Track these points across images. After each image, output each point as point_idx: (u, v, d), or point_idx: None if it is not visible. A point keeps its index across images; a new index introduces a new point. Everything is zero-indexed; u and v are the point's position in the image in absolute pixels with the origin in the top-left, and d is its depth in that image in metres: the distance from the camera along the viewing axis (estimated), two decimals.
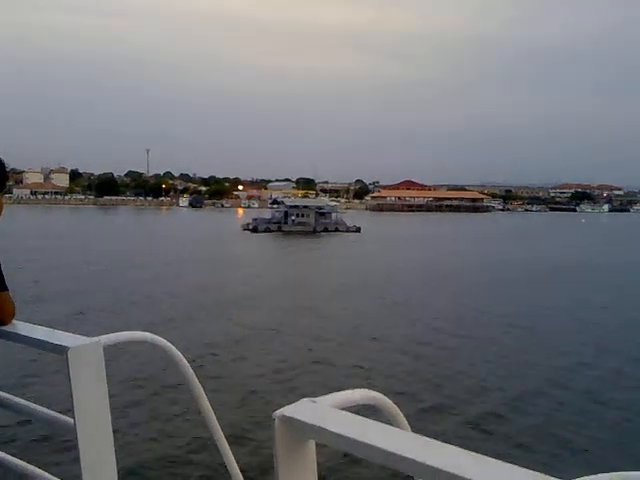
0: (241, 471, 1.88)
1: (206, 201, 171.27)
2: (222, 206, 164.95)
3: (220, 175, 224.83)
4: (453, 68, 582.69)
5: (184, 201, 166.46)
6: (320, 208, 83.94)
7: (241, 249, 52.46)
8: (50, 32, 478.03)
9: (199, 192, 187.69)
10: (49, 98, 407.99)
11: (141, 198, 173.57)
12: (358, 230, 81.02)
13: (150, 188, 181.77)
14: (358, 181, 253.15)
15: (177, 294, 28.48)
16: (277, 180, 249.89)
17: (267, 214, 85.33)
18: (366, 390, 1.15)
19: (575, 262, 46.60)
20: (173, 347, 1.92)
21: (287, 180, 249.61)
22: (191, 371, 1.92)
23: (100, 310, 24.10)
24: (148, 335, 1.92)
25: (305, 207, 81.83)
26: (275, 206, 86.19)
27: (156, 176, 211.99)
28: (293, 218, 79.72)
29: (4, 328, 2.05)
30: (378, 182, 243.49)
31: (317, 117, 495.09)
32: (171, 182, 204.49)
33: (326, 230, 79.48)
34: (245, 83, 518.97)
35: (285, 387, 15.46)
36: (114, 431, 1.75)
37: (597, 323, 24.85)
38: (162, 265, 39.10)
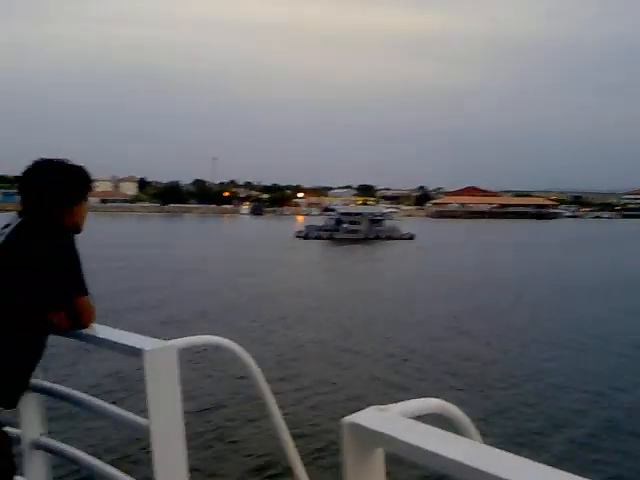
0: (309, 477, 1.90)
1: (267, 209, 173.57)
2: (282, 214, 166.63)
3: (283, 183, 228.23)
4: (518, 72, 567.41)
5: (245, 209, 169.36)
6: (373, 215, 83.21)
7: (285, 256, 52.55)
8: (120, 45, 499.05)
9: (260, 200, 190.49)
10: (125, 110, 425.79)
11: (204, 206, 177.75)
12: (412, 237, 79.75)
13: (213, 196, 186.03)
14: (421, 187, 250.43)
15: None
16: (339, 187, 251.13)
17: (321, 221, 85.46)
18: (436, 400, 1.13)
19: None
20: (245, 352, 1.97)
21: (349, 187, 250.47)
22: (262, 376, 1.97)
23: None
24: (221, 340, 1.98)
25: (357, 214, 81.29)
26: (327, 213, 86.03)
27: (221, 184, 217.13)
28: (345, 225, 79.35)
29: (84, 331, 2.18)
30: (442, 188, 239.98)
31: (381, 123, 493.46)
32: (234, 190, 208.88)
33: (378, 237, 78.59)
34: (311, 91, 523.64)
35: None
36: (186, 433, 1.80)
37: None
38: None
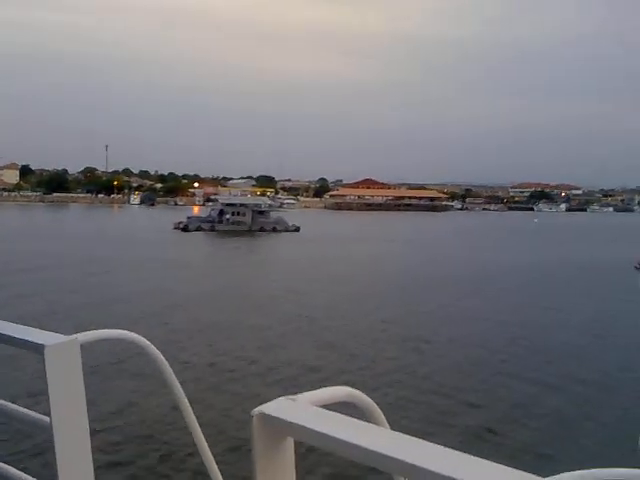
0: (220, 469, 1.89)
1: (160, 199, 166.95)
2: (176, 204, 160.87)
3: (182, 172, 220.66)
4: (419, 69, 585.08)
5: (135, 199, 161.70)
6: (258, 206, 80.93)
7: (154, 251, 49.18)
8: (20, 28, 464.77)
9: (154, 190, 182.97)
10: (13, 93, 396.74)
11: (91, 195, 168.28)
12: (297, 230, 78.26)
13: (102, 185, 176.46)
14: (321, 179, 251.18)
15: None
16: (241, 178, 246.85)
17: (205, 212, 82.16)
18: (345, 387, 1.14)
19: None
20: (151, 345, 1.91)
21: (249, 178, 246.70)
22: (170, 369, 1.92)
23: None
24: (125, 333, 1.90)
25: (242, 205, 78.56)
26: (210, 204, 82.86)
27: (115, 173, 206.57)
28: (227, 217, 76.51)
29: None
30: (341, 181, 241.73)
31: (285, 116, 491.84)
32: (126, 179, 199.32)
33: (263, 230, 76.47)
34: (217, 82, 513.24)
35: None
36: (91, 430, 1.76)
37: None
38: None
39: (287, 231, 77.29)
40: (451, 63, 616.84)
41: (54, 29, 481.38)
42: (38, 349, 1.69)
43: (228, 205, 78.25)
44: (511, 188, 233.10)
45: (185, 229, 72.35)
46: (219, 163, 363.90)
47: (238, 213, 77.35)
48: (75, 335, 1.79)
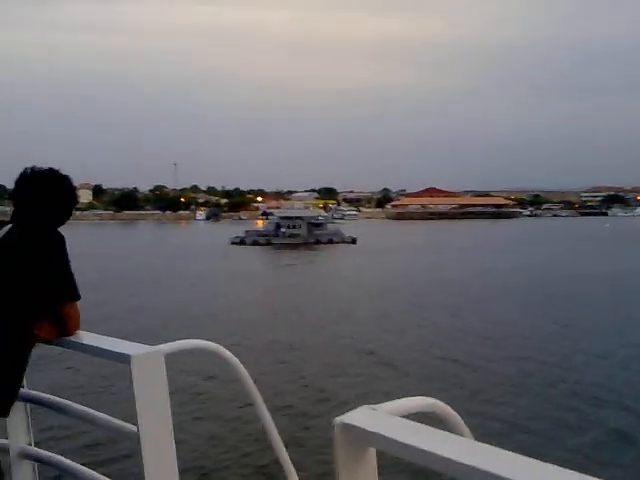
0: (300, 478, 1.91)
1: (225, 214, 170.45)
2: (240, 218, 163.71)
3: (248, 188, 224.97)
4: (476, 73, 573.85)
5: (201, 214, 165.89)
6: (314, 219, 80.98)
7: (207, 266, 49.92)
8: (74, 50, 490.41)
9: (219, 205, 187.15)
10: (79, 115, 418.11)
11: (159, 212, 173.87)
12: (354, 241, 77.72)
13: (170, 202, 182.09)
14: (384, 190, 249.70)
15: None
16: (305, 191, 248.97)
17: (256, 226, 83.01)
18: (426, 398, 1.14)
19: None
20: (232, 356, 1.96)
21: (312, 191, 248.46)
22: (250, 380, 1.96)
23: None
24: (208, 343, 1.96)
25: (297, 218, 78.86)
26: (266, 218, 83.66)
27: (182, 190, 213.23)
28: (283, 230, 76.95)
29: (69, 338, 2.17)
30: (405, 190, 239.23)
31: (349, 127, 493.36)
32: (193, 196, 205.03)
33: (318, 242, 76.40)
34: (279, 96, 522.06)
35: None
36: (175, 438, 1.79)
37: None
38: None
39: (343, 242, 76.93)
40: (514, 68, 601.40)
41: (134, 54, 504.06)
42: (125, 359, 1.77)
43: (284, 218, 78.72)
44: (583, 192, 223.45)
45: (242, 243, 73.25)
46: (284, 177, 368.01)
47: (294, 226, 77.68)
48: (159, 346, 1.86)
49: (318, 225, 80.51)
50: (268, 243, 74.30)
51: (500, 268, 47.27)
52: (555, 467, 0.83)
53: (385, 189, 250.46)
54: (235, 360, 1.96)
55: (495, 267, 48.17)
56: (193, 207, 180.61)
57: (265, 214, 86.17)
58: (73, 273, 2.26)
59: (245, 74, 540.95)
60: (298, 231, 77.37)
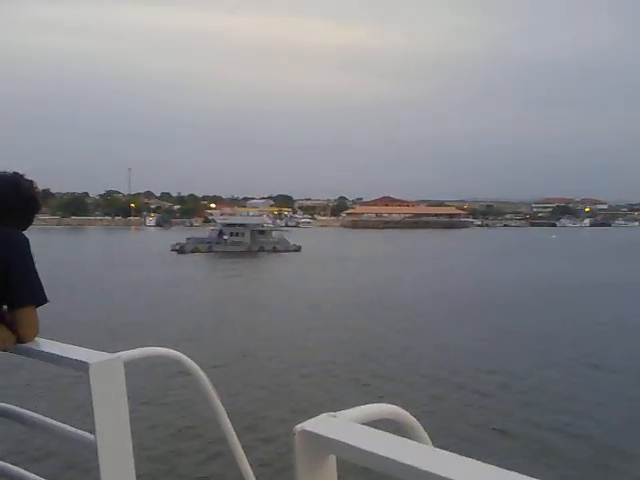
0: None
1: (177, 220, 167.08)
2: (191, 225, 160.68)
3: (204, 194, 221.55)
4: (438, 86, 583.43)
5: (151, 220, 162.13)
6: (258, 226, 79.32)
7: (135, 275, 47.79)
8: (33, 50, 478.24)
9: (171, 211, 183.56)
10: (31, 116, 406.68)
11: (109, 218, 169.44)
12: (298, 249, 76.42)
13: (120, 207, 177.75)
14: (341, 198, 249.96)
15: None
16: (261, 198, 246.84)
17: (206, 233, 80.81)
18: (387, 405, 1.14)
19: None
20: (193, 362, 1.94)
21: (269, 198, 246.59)
22: (210, 386, 1.96)
23: None
24: (169, 351, 1.95)
25: (241, 225, 77.09)
26: (209, 224, 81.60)
27: (136, 195, 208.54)
28: (226, 237, 75.07)
29: (25, 345, 2.08)
30: (361, 199, 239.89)
31: (309, 135, 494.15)
32: (146, 201, 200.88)
33: (262, 250, 74.83)
34: (237, 102, 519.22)
35: None
36: (134, 446, 1.78)
37: None
38: None
39: (287, 251, 75.51)
40: (468, 78, 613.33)
41: (88, 56, 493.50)
42: (82, 367, 1.74)
43: (227, 225, 76.86)
44: (534, 204, 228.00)
45: (181, 251, 70.97)
46: (242, 184, 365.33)
47: (237, 233, 75.89)
48: (119, 353, 1.82)
49: (262, 233, 78.90)
50: (209, 251, 72.28)
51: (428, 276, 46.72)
52: (513, 473, 0.84)
53: (342, 197, 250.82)
54: (196, 368, 1.93)
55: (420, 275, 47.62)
56: (144, 213, 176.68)
57: (207, 220, 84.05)
58: (38, 275, 2.16)
59: (211, 79, 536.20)
60: (241, 239, 75.60)
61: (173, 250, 71.47)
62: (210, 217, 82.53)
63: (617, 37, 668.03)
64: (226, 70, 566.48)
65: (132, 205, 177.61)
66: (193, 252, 70.76)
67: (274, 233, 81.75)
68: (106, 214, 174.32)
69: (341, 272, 52.17)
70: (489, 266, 58.16)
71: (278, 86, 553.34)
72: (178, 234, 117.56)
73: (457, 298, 36.03)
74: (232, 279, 47.77)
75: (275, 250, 75.28)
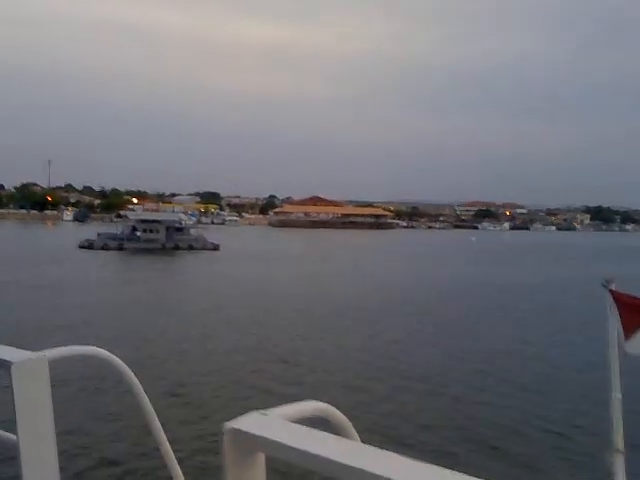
0: None
1: (97, 215, 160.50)
2: (111, 220, 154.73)
3: (129, 188, 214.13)
4: (370, 87, 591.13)
5: (68, 215, 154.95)
6: (174, 223, 76.58)
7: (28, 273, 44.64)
8: None
9: (91, 206, 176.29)
10: None
11: (24, 211, 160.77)
12: (216, 248, 74.24)
13: (36, 201, 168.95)
14: (271, 196, 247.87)
15: None
16: (188, 194, 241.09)
17: (120, 229, 77.11)
18: (316, 402, 1.15)
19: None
20: (120, 361, 1.92)
21: (196, 194, 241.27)
22: (139, 385, 1.93)
23: None
24: (96, 350, 1.92)
25: (155, 222, 74.09)
26: (122, 220, 78.14)
27: (58, 189, 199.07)
28: (139, 234, 72.02)
29: None
30: (291, 198, 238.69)
31: (238, 132, 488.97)
32: (65, 195, 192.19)
33: (178, 248, 72.27)
34: (166, 97, 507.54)
35: None
36: (59, 448, 1.77)
37: None
38: None
39: (205, 249, 73.27)
40: (399, 81, 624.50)
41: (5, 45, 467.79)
42: (4, 366, 1.68)
43: (140, 222, 73.77)
44: (458, 206, 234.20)
45: (90, 247, 67.41)
46: (170, 181, 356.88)
47: (151, 230, 72.95)
48: (44, 351, 1.75)
49: (179, 230, 76.23)
50: (120, 248, 69.06)
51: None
52: (439, 468, 0.85)
53: (272, 196, 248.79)
54: (125, 367, 1.89)
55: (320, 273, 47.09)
56: (62, 207, 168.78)
57: (119, 216, 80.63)
58: None
59: (135, 73, 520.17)
60: (155, 236, 72.65)
61: (81, 247, 67.82)
62: (123, 213, 78.77)
63: (536, 49, 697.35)
64: (150, 64, 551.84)
65: (49, 198, 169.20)
66: (103, 249, 67.43)
67: (192, 230, 79.24)
68: (21, 207, 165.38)
69: (249, 272, 50.82)
70: (393, 268, 58.65)
71: (201, 81, 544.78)
72: (95, 229, 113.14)
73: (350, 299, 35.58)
74: (130, 279, 45.50)
75: (191, 248, 72.91)
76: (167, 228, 74.00)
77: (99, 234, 73.11)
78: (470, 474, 0.79)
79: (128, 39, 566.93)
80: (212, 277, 47.22)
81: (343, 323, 28.56)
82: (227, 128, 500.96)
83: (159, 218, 75.10)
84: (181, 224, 78.18)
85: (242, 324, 27.26)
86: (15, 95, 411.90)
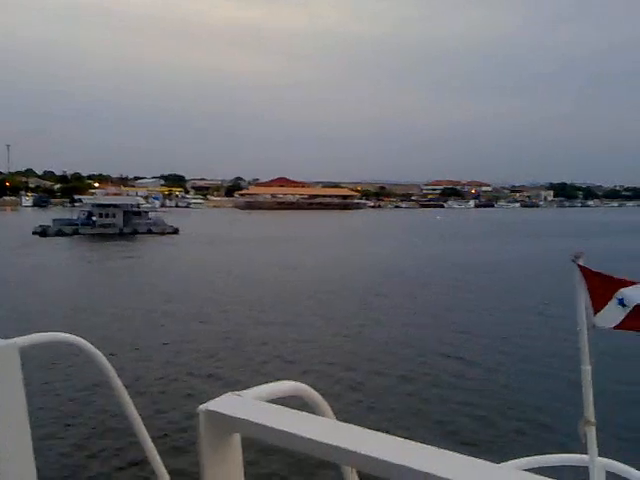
0: (166, 468, 1.90)
1: (57, 200, 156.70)
2: (72, 205, 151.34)
3: (92, 172, 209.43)
4: (342, 69, 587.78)
5: (28, 200, 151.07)
6: (132, 207, 74.96)
7: None
8: None
9: (51, 190, 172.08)
10: None
11: None
12: (175, 232, 73.01)
13: None
14: (237, 178, 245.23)
15: None
16: (153, 177, 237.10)
17: (75, 214, 75.20)
18: (291, 382, 1.16)
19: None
20: (93, 347, 1.91)
21: (161, 177, 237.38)
22: (112, 370, 1.93)
23: None
24: (66, 336, 1.91)
25: (112, 206, 72.41)
26: (77, 205, 76.28)
27: (14, 174, 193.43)
28: (94, 218, 70.35)
29: None
30: (258, 180, 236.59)
31: (206, 116, 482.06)
32: (24, 180, 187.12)
33: (136, 232, 70.84)
34: (132, 81, 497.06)
35: None
36: (33, 436, 1.75)
37: None
38: None
39: (164, 233, 71.95)
40: (367, 60, 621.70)
41: None
42: None
43: (97, 206, 72.03)
44: (424, 186, 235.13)
45: (43, 234, 65.57)
46: (134, 163, 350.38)
47: (107, 215, 71.31)
48: (14, 339, 1.73)
49: (137, 214, 74.69)
50: (76, 233, 67.41)
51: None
52: (415, 443, 0.87)
53: (238, 178, 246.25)
54: (98, 353, 1.86)
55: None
56: (22, 193, 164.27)
57: (73, 200, 78.60)
58: None
59: (100, 53, 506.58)
60: (112, 220, 71.09)
61: (35, 233, 65.91)
62: (77, 197, 76.81)
63: (516, 25, 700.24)
64: (114, 43, 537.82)
65: (7, 184, 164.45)
66: (57, 235, 65.69)
67: (151, 214, 77.75)
68: None
69: (206, 256, 50.01)
70: (349, 246, 58.68)
71: (165, 61, 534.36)
72: (57, 215, 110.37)
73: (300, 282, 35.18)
74: (80, 265, 44.34)
75: (150, 232, 71.57)
76: (124, 212, 72.43)
77: (54, 220, 71.20)
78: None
79: (97, 17, 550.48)
80: (164, 261, 46.36)
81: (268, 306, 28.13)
82: (196, 110, 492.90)
83: (116, 202, 73.34)
84: (139, 208, 76.64)
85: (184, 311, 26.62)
86: None
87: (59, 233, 66.31)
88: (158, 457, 1.89)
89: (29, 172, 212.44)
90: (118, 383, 1.90)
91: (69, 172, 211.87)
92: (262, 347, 20.48)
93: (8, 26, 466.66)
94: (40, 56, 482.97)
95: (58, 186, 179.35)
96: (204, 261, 46.02)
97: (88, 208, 72.31)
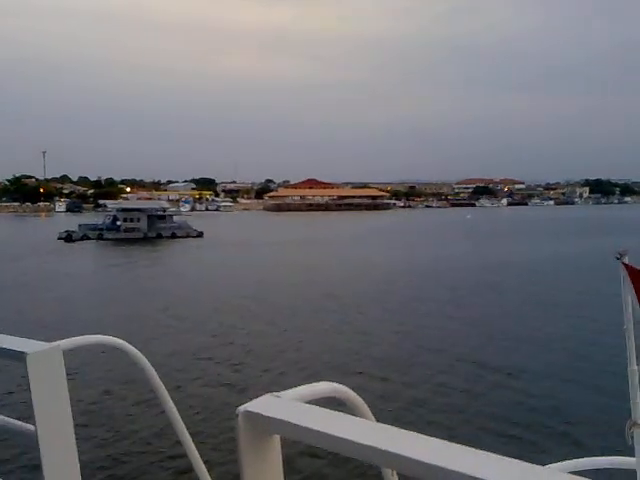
0: (207, 469, 1.91)
1: (89, 205, 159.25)
2: (105, 210, 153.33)
3: (126, 178, 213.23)
4: (372, 69, 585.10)
5: (61, 206, 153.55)
6: (156, 211, 74.99)
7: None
8: None
9: (84, 196, 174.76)
10: None
11: (17, 204, 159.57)
12: (200, 235, 72.83)
13: (29, 193, 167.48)
14: (267, 181, 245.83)
15: None
16: (184, 181, 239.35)
17: (101, 219, 75.69)
18: (329, 383, 1.15)
19: None
20: (135, 349, 1.94)
21: (192, 181, 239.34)
22: (154, 372, 1.95)
23: None
24: (110, 339, 1.94)
25: (136, 210, 72.60)
26: (102, 210, 76.69)
27: (50, 181, 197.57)
28: (119, 223, 70.59)
29: None
30: (288, 182, 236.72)
31: (239, 118, 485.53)
32: (58, 186, 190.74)
33: (161, 236, 70.81)
34: (165, 85, 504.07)
35: None
36: (77, 437, 1.78)
37: None
38: None
39: (188, 237, 71.80)
40: (395, 61, 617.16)
41: None
42: (20, 357, 1.69)
43: (121, 211, 72.29)
44: (455, 184, 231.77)
45: (69, 239, 66.00)
46: (167, 168, 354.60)
47: (132, 219, 71.47)
48: (57, 342, 1.77)
49: (162, 218, 74.68)
50: (100, 238, 67.73)
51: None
52: (459, 446, 0.85)
53: (268, 180, 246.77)
54: (140, 355, 1.90)
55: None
56: (55, 198, 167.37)
57: (98, 205, 79.08)
58: None
59: (133, 60, 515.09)
60: (137, 225, 71.14)
61: (60, 238, 66.42)
62: (102, 202, 77.31)
63: (537, 24, 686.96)
64: (146, 50, 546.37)
65: (41, 190, 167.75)
66: (82, 240, 66.08)
67: (175, 218, 77.70)
68: (15, 200, 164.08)
69: (228, 259, 49.41)
70: (372, 249, 57.38)
71: (198, 65, 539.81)
72: (86, 220, 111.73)
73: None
74: (107, 269, 44.19)
75: (174, 236, 71.49)
76: (149, 217, 72.47)
77: (80, 225, 71.70)
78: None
79: (126, 24, 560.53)
80: (185, 265, 45.93)
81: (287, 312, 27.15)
82: (226, 114, 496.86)
83: (140, 207, 73.45)
84: (164, 212, 76.65)
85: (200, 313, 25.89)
86: (13, 87, 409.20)
87: (84, 238, 66.72)
88: (200, 458, 1.90)
89: (64, 178, 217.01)
90: (162, 387, 1.92)
91: (103, 178, 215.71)
92: (298, 351, 19.98)
93: (47, 36, 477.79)
94: (76, 66, 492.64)
95: (91, 191, 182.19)
96: (225, 265, 45.42)
97: (113, 213, 72.59)
